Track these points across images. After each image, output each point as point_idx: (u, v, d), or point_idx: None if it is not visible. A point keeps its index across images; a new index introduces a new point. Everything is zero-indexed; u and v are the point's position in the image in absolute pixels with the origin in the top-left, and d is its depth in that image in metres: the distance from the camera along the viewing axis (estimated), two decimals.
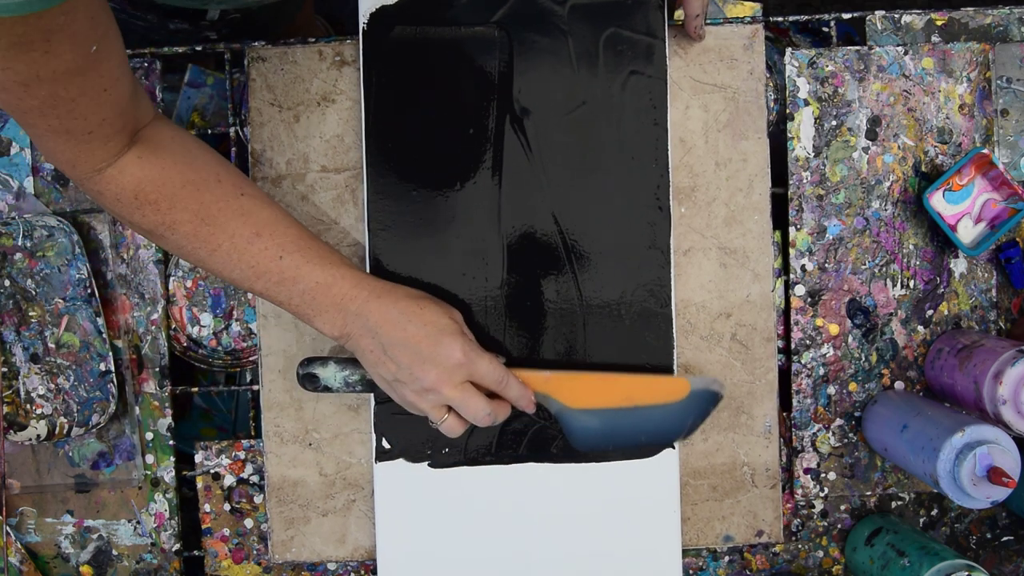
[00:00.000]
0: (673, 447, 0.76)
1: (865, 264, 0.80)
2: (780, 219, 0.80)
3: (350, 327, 0.66)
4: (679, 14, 0.74)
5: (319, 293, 0.66)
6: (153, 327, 0.81)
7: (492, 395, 0.68)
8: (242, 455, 0.81)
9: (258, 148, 0.78)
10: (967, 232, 0.78)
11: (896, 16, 0.82)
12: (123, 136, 0.61)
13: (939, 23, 0.82)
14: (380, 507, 0.77)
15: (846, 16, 0.83)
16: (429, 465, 0.77)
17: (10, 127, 0.81)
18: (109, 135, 0.60)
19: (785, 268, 0.80)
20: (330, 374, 0.72)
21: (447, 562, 0.77)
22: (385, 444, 0.76)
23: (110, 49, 0.56)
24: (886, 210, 0.80)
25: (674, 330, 0.76)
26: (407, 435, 0.77)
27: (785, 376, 0.81)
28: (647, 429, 0.72)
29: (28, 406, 0.78)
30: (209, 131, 0.85)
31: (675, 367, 0.76)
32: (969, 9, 0.82)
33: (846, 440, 0.80)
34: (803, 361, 0.80)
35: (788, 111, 0.80)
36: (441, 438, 0.76)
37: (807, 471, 0.81)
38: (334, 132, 0.78)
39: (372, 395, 0.77)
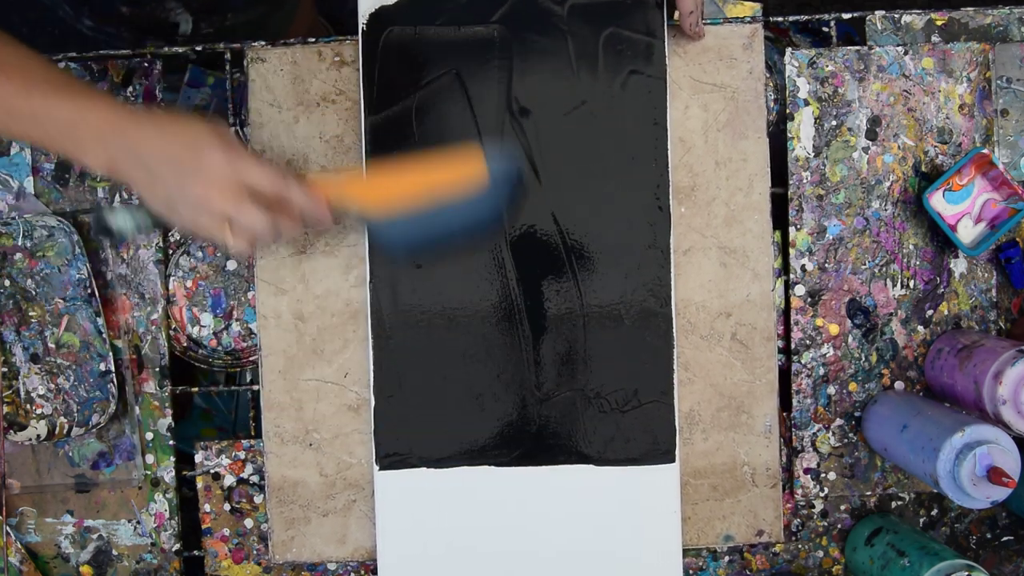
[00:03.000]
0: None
1: (865, 264, 0.80)
2: (780, 219, 0.80)
3: (114, 155, 0.63)
4: (678, 14, 0.75)
5: (76, 127, 0.63)
6: (153, 327, 0.81)
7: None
8: (242, 455, 0.81)
9: (258, 149, 0.78)
10: (967, 232, 0.78)
11: (896, 16, 0.82)
12: None
13: (939, 23, 0.82)
14: (380, 509, 0.77)
15: (846, 16, 0.83)
16: (429, 466, 0.77)
17: None
18: None
19: (785, 268, 0.80)
20: (120, 218, 0.68)
21: (448, 564, 0.77)
22: (386, 452, 0.77)
23: None
24: (886, 210, 0.80)
25: (674, 329, 0.76)
26: (408, 443, 0.77)
27: (785, 376, 0.81)
28: (458, 224, 0.68)
29: (28, 406, 0.78)
30: None
31: (675, 366, 0.76)
32: (969, 9, 0.82)
33: (846, 440, 0.80)
34: (803, 361, 0.80)
35: (788, 111, 0.80)
36: (440, 439, 0.76)
37: (807, 471, 0.81)
38: (334, 132, 0.78)
39: (373, 406, 0.77)
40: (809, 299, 0.80)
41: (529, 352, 0.76)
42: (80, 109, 0.63)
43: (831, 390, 0.80)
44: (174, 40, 0.82)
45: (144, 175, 0.63)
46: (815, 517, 0.82)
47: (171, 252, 0.82)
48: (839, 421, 0.80)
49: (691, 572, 0.83)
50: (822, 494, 0.81)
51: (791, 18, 0.82)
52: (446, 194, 0.67)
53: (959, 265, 0.80)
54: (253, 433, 0.82)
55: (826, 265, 0.80)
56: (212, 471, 0.82)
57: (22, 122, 0.63)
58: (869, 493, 0.81)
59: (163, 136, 0.63)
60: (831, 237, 0.80)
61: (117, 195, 0.79)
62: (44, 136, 0.63)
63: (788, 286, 0.80)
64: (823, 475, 0.81)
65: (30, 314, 0.79)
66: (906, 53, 0.79)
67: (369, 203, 0.67)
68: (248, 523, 0.82)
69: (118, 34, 0.81)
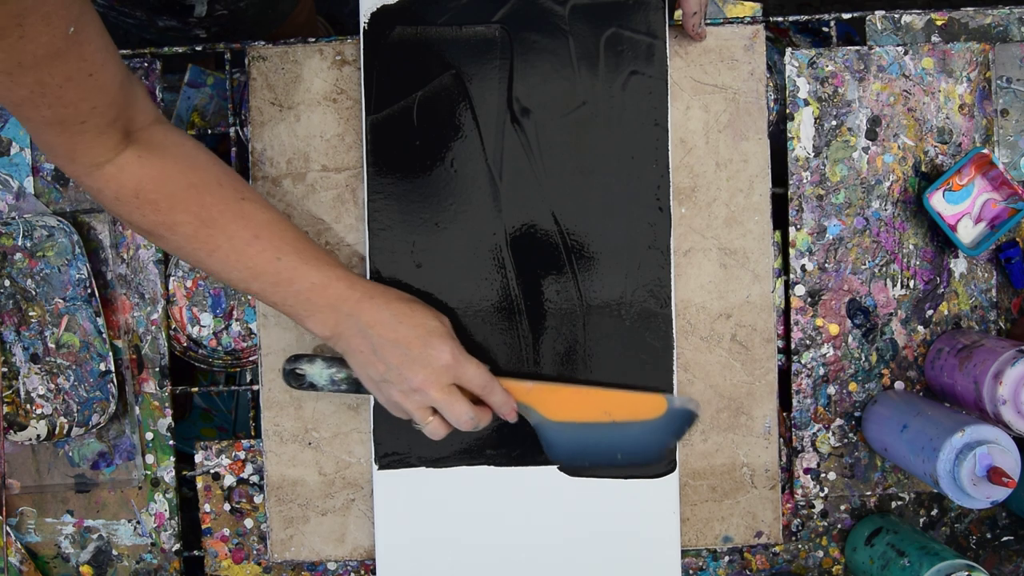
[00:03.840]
0: (672, 467, 0.76)
1: (865, 264, 0.80)
2: (780, 219, 0.80)
3: (342, 327, 0.67)
4: (679, 14, 0.75)
5: (314, 294, 0.66)
6: (153, 327, 0.81)
7: (476, 401, 0.69)
8: (242, 455, 0.81)
9: (259, 147, 0.78)
10: (967, 232, 0.78)
11: (896, 16, 0.82)
12: (116, 129, 0.61)
13: (939, 23, 0.82)
14: (379, 508, 0.77)
15: (846, 16, 0.83)
16: (428, 465, 0.77)
17: (10, 127, 0.81)
18: (102, 126, 0.60)
19: (785, 268, 0.80)
20: (316, 371, 0.72)
21: (447, 564, 0.77)
22: (385, 451, 0.76)
23: (89, 32, 0.56)
24: (886, 210, 0.80)
25: (674, 330, 0.76)
26: (407, 442, 0.77)
27: (785, 376, 0.81)
28: (624, 446, 0.74)
29: (28, 406, 0.78)
30: (209, 131, 0.85)
31: (675, 367, 0.76)
32: (969, 9, 0.82)
33: (846, 440, 0.80)
34: (803, 361, 0.80)
35: (788, 111, 0.80)
36: (437, 442, 0.76)
37: (807, 471, 0.81)
38: (335, 131, 0.78)
39: (372, 398, 0.77)
40: (809, 299, 0.80)
41: (529, 352, 0.76)
42: (324, 279, 0.66)
43: (831, 390, 0.80)
44: (187, 20, 0.82)
45: (367, 350, 0.67)
46: (815, 517, 0.82)
47: None
48: (839, 421, 0.80)
49: (691, 572, 0.83)
50: (822, 494, 0.81)
51: (791, 18, 0.82)
52: (620, 415, 0.73)
53: (959, 265, 0.80)
54: (253, 433, 0.82)
55: (826, 265, 0.80)
56: (212, 471, 0.82)
57: (263, 282, 0.66)
58: (869, 493, 0.81)
59: (396, 321, 0.66)
60: (831, 237, 0.80)
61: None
62: (280, 298, 0.67)
63: (788, 286, 0.80)
64: (823, 475, 0.81)
65: (30, 314, 0.79)
66: (906, 53, 0.79)
67: (549, 411, 0.73)
68: (248, 523, 0.82)
69: (131, 13, 0.81)
